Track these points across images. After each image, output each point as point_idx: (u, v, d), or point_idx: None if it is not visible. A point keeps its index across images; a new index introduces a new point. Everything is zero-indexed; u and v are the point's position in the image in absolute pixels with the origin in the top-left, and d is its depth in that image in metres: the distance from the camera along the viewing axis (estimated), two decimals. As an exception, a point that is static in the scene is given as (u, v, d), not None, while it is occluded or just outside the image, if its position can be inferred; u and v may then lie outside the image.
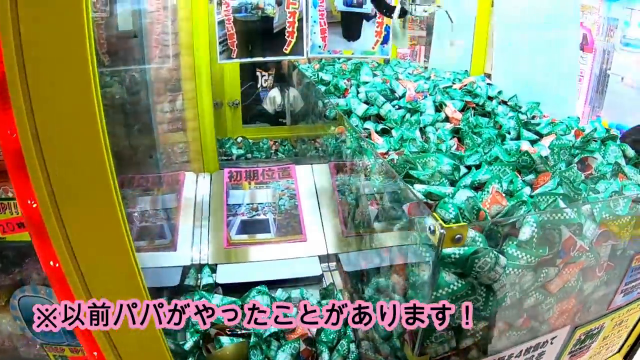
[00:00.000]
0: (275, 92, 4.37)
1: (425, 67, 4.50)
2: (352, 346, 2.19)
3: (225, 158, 3.83)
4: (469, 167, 1.81)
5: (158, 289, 2.29)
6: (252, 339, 2.09)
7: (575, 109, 2.51)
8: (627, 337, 2.10)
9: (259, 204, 2.90)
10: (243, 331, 2.13)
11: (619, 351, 2.16)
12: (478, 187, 1.65)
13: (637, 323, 2.04)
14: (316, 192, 3.02)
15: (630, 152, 1.87)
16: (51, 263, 1.07)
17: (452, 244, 1.20)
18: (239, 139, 4.05)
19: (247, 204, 2.89)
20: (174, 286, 2.39)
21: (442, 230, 1.16)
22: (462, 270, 1.30)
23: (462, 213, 1.37)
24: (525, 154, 1.81)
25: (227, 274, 2.54)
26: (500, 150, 1.93)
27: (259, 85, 4.52)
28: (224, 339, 2.07)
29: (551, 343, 1.66)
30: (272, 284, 2.51)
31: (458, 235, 1.18)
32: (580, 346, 1.86)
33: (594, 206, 1.44)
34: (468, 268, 1.27)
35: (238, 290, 2.50)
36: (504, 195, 1.49)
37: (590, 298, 1.66)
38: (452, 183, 1.72)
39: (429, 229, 1.22)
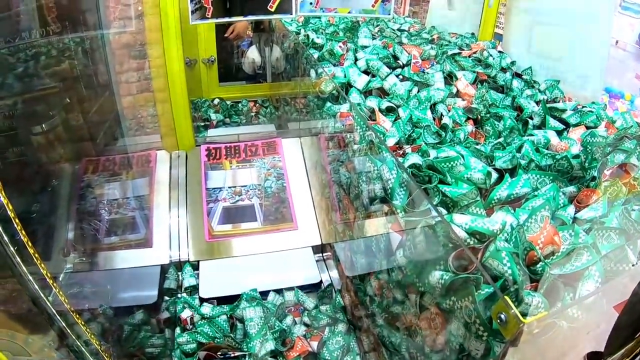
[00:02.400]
0: (254, 54, 3.90)
1: (413, 13, 4.13)
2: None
3: (202, 124, 3.44)
4: (498, 170, 1.53)
5: (130, 308, 2.00)
6: (247, 362, 1.84)
7: (600, 92, 2.21)
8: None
9: (242, 186, 2.56)
10: (236, 353, 1.86)
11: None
12: (514, 201, 1.39)
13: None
14: (306, 170, 2.69)
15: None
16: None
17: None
18: (216, 101, 3.64)
19: (229, 187, 2.54)
20: (150, 304, 2.08)
21: (521, 325, 0.87)
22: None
23: (516, 260, 1.09)
24: (564, 159, 1.55)
25: (211, 276, 2.25)
26: (532, 148, 1.66)
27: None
28: (216, 365, 1.81)
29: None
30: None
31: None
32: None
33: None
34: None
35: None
36: (556, 229, 1.21)
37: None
38: (482, 192, 1.45)
39: (499, 318, 0.92)
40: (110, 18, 2.23)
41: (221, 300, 2.18)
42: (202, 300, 2.16)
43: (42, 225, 1.82)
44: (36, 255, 1.18)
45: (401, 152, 1.70)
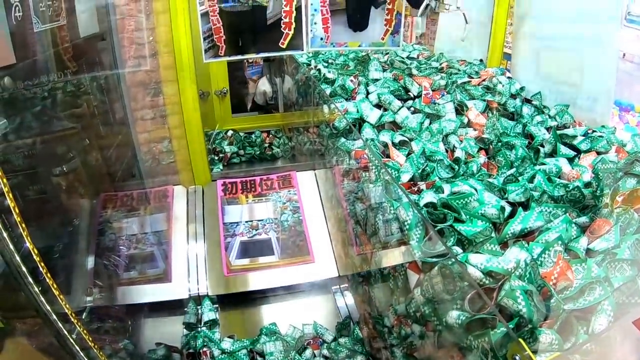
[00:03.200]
0: (265, 85, 3.96)
1: (419, 43, 4.16)
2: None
3: (217, 157, 3.49)
4: (511, 204, 1.56)
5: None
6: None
7: (610, 112, 2.22)
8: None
9: (258, 220, 2.59)
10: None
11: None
12: (527, 234, 1.42)
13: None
14: (321, 203, 2.72)
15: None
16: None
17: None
18: (229, 133, 3.69)
19: (246, 222, 2.58)
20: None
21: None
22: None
23: (530, 298, 1.11)
24: (576, 189, 1.57)
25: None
26: (544, 178, 1.67)
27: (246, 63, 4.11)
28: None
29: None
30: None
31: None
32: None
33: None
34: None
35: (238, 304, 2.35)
36: (569, 263, 1.23)
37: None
38: (497, 226, 1.47)
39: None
40: (125, 57, 2.30)
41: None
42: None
43: (64, 262, 1.86)
44: (61, 296, 1.21)
45: (416, 189, 1.72)
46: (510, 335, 1.02)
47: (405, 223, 1.47)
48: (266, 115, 4.04)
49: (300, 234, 2.55)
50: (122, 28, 2.26)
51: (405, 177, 1.77)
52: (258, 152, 3.61)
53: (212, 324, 2.25)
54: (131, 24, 2.30)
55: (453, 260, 1.26)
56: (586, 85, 2.28)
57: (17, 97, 1.57)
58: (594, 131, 2.07)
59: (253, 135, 3.74)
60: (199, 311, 2.30)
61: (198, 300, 2.33)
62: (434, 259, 1.34)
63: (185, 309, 2.30)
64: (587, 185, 1.60)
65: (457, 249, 1.38)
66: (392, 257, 1.71)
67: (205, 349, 2.07)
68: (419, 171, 1.84)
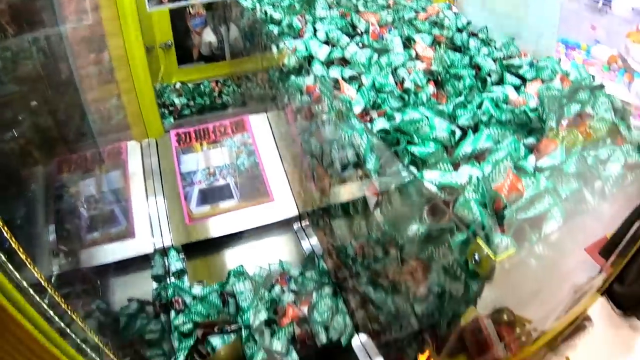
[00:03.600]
0: (209, 36, 3.85)
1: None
2: (347, 319, 2.07)
3: (167, 111, 3.43)
4: (461, 128, 1.63)
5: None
6: (244, 333, 1.92)
7: (554, 46, 2.31)
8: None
9: (215, 167, 2.60)
10: (232, 326, 1.95)
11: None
12: (478, 155, 1.49)
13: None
14: (276, 144, 2.75)
15: (618, 103, 1.74)
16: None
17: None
18: (178, 85, 3.62)
19: (203, 169, 2.59)
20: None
21: (493, 263, 0.98)
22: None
23: (485, 209, 1.19)
24: (522, 113, 1.65)
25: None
26: (492, 104, 1.75)
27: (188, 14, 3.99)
28: (214, 340, 1.89)
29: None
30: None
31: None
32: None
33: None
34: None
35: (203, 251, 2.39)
36: (519, 177, 1.32)
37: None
38: (448, 149, 1.54)
39: (474, 259, 1.02)
40: (65, 13, 2.20)
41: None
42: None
43: (26, 230, 1.84)
44: (28, 259, 1.19)
45: (368, 118, 1.77)
46: (469, 239, 1.10)
47: (361, 147, 1.52)
48: (213, 64, 3.95)
49: (257, 177, 2.58)
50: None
51: (357, 109, 1.81)
52: (208, 102, 3.57)
53: (180, 273, 2.28)
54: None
55: (410, 177, 1.32)
56: (531, 19, 2.35)
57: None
58: (538, 62, 2.15)
59: (202, 86, 3.68)
60: (166, 263, 2.33)
61: (164, 252, 2.35)
62: (391, 179, 1.40)
63: (152, 263, 2.32)
64: (534, 110, 1.68)
65: (412, 169, 1.44)
66: (350, 185, 1.77)
67: (176, 297, 2.11)
68: (370, 103, 1.89)
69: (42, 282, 1.22)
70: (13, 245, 1.12)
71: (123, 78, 2.50)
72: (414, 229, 1.28)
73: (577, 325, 2.07)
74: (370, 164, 1.52)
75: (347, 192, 1.83)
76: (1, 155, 1.78)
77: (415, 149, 1.47)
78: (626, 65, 2.23)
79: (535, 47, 2.31)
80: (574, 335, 2.06)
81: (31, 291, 1.13)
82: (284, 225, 2.52)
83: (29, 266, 1.16)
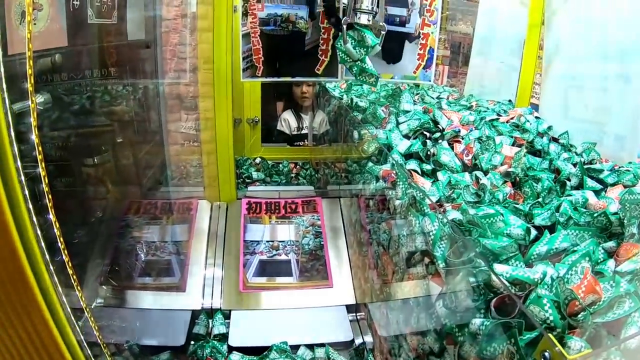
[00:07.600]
0: (287, 115, 4.05)
1: (451, 86, 4.23)
2: None
3: (242, 182, 3.53)
4: (537, 228, 1.54)
5: (157, 348, 2.00)
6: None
7: (637, 152, 2.21)
8: None
9: (280, 241, 2.59)
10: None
11: None
12: (553, 256, 1.38)
13: None
14: (344, 230, 2.71)
15: None
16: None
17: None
18: (257, 160, 3.75)
19: (267, 241, 2.58)
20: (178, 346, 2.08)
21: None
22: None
23: (558, 309, 1.08)
24: (602, 215, 1.54)
25: (243, 325, 2.24)
26: (570, 207, 1.65)
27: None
28: None
29: None
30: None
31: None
32: None
33: None
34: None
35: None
36: (598, 281, 1.19)
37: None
38: (522, 248, 1.45)
39: (543, 357, 0.91)
40: (166, 69, 2.39)
41: (249, 352, 2.15)
42: (230, 349, 2.13)
43: (80, 252, 1.87)
44: (74, 277, 1.19)
45: (442, 210, 1.72)
46: (538, 338, 0.99)
47: (430, 234, 1.46)
48: (295, 148, 4.08)
49: (320, 259, 2.53)
50: (167, 40, 2.37)
51: (432, 199, 1.77)
52: (284, 181, 3.65)
53: (222, 337, 2.21)
54: (175, 38, 2.41)
55: (479, 267, 1.24)
56: (613, 125, 2.29)
57: (61, 85, 1.64)
58: (620, 167, 2.06)
59: (281, 165, 3.79)
60: (210, 324, 2.27)
61: (210, 313, 2.31)
62: (459, 267, 1.32)
63: (196, 321, 2.27)
64: (614, 214, 1.57)
65: (482, 261, 1.35)
66: (415, 272, 1.68)
67: (210, 357, 2.03)
68: (445, 196, 1.84)
69: (83, 305, 1.21)
70: (64, 258, 1.12)
71: (207, 140, 2.62)
72: (478, 323, 1.17)
73: None
74: (439, 251, 1.45)
75: (411, 279, 1.74)
76: (79, 176, 1.86)
77: (487, 242, 1.38)
78: None
79: (617, 152, 2.21)
80: None
81: (69, 309, 1.12)
82: (339, 311, 2.41)
83: (73, 284, 1.15)
